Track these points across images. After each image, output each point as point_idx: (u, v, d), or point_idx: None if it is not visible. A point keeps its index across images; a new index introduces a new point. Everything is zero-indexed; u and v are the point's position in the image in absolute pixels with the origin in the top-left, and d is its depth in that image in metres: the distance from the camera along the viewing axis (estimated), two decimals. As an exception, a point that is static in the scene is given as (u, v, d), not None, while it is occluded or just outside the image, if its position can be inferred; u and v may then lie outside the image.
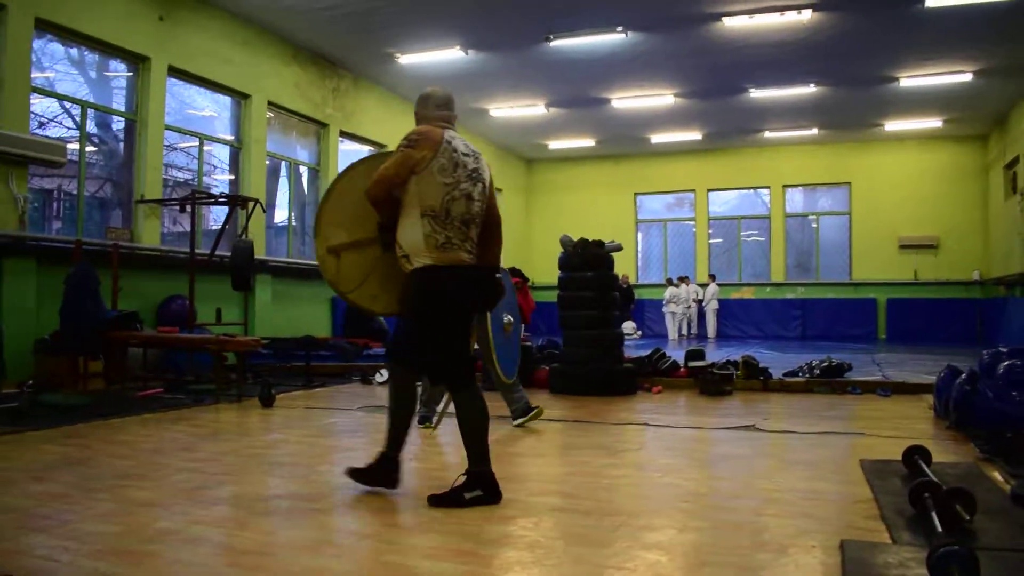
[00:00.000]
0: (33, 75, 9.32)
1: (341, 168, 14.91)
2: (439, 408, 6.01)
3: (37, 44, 9.45)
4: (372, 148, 16.33)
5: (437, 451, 5.41)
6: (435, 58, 14.14)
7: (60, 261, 8.77)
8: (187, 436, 5.74)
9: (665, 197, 23.30)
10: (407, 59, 14.20)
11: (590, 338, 8.43)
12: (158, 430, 6.02)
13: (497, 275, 4.04)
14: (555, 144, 21.59)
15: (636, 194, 23.23)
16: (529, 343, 9.65)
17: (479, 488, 3.66)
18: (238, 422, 6.54)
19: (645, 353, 9.55)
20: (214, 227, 12.29)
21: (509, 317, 6.20)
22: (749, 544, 3.07)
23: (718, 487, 4.16)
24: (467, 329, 3.98)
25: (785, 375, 8.92)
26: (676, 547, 3.07)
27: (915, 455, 4.17)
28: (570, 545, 3.06)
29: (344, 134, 15.20)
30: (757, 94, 16.43)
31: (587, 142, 21.34)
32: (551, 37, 13.11)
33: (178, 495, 3.86)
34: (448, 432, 5.91)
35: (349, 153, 15.56)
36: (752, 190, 22.45)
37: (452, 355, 3.83)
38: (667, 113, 18.01)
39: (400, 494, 3.94)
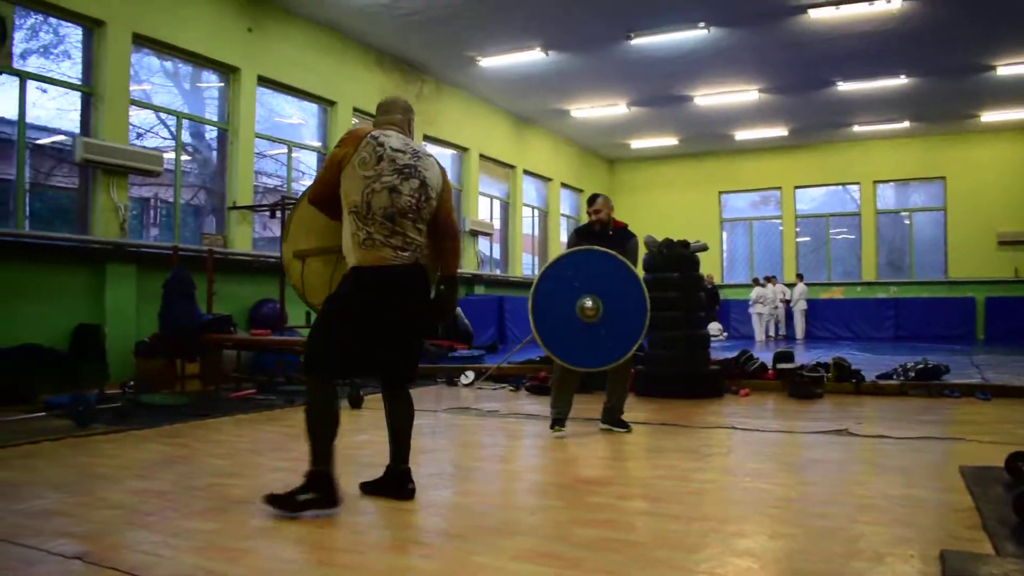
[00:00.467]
0: (131, 88, 9.72)
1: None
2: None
3: (135, 58, 9.84)
4: (455, 151, 16.51)
5: (562, 453, 5.43)
6: (516, 60, 14.20)
7: (158, 266, 9.13)
8: (279, 436, 5.90)
9: (750, 195, 22.88)
10: (488, 62, 14.30)
11: (675, 340, 8.33)
12: (252, 430, 6.20)
13: (445, 285, 3.87)
14: (637, 143, 21.43)
15: (720, 192, 22.87)
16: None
17: (315, 491, 3.50)
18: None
19: (732, 355, 9.39)
20: (302, 232, 12.57)
21: (590, 301, 5.52)
22: (843, 551, 2.99)
23: (809, 493, 4.07)
24: (392, 331, 3.71)
25: (878, 377, 8.65)
26: (767, 553, 3.02)
27: (1019, 461, 3.99)
28: (659, 550, 3.04)
29: (427, 138, 15.38)
30: (845, 87, 15.99)
31: (670, 141, 21.11)
32: (632, 36, 13.02)
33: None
34: (576, 435, 5.94)
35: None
36: (841, 186, 21.85)
37: (353, 357, 3.69)
38: (751, 109, 17.69)
39: (488, 495, 3.97)
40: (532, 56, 13.98)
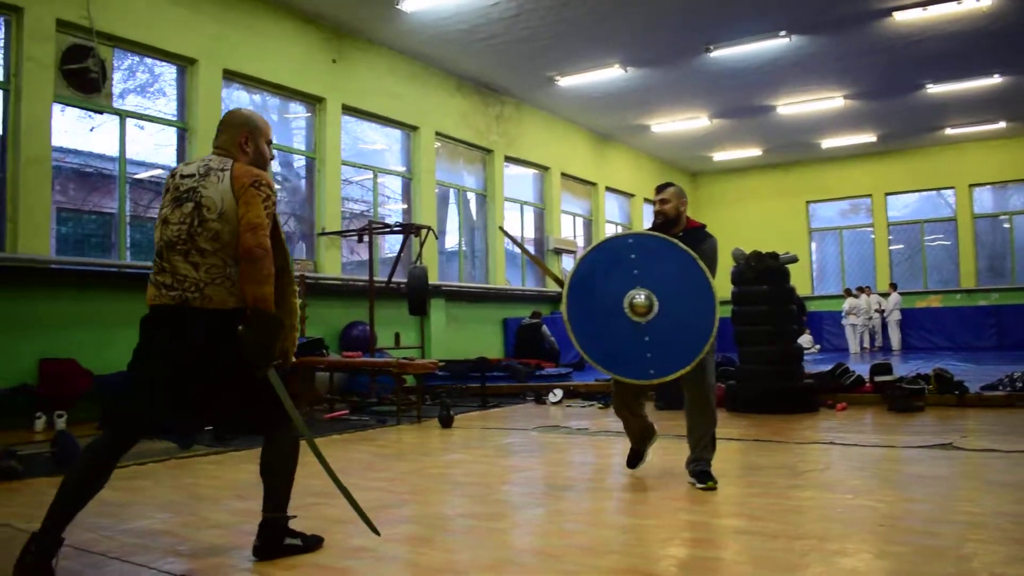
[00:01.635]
0: (224, 121, 10.07)
1: (508, 193, 15.27)
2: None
3: (225, 93, 10.23)
4: (536, 171, 16.58)
5: (653, 470, 5.38)
6: (595, 78, 14.22)
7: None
8: (373, 456, 5.99)
9: (839, 204, 22.30)
10: (567, 81, 14.35)
11: (767, 354, 8.15)
12: (346, 450, 6.31)
13: (245, 322, 3.07)
14: (720, 156, 21.17)
15: (808, 202, 22.37)
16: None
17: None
18: (419, 442, 6.76)
19: (826, 368, 9.15)
20: (389, 255, 12.82)
21: (641, 296, 4.39)
22: (955, 572, 2.87)
23: (915, 510, 3.92)
24: (180, 378, 3.15)
25: (983, 389, 8.30)
26: (874, 573, 2.91)
27: None
28: (758, 569, 2.96)
29: (508, 159, 15.50)
30: (935, 89, 15.50)
31: (754, 151, 20.79)
32: (711, 48, 12.91)
33: (367, 513, 4.03)
34: (667, 451, 5.89)
35: (514, 177, 15.86)
36: (935, 191, 21.12)
37: (148, 407, 3.18)
38: (837, 116, 17.29)
39: (579, 514, 3.95)
40: (611, 73, 13.98)
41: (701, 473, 4.54)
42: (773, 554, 3.15)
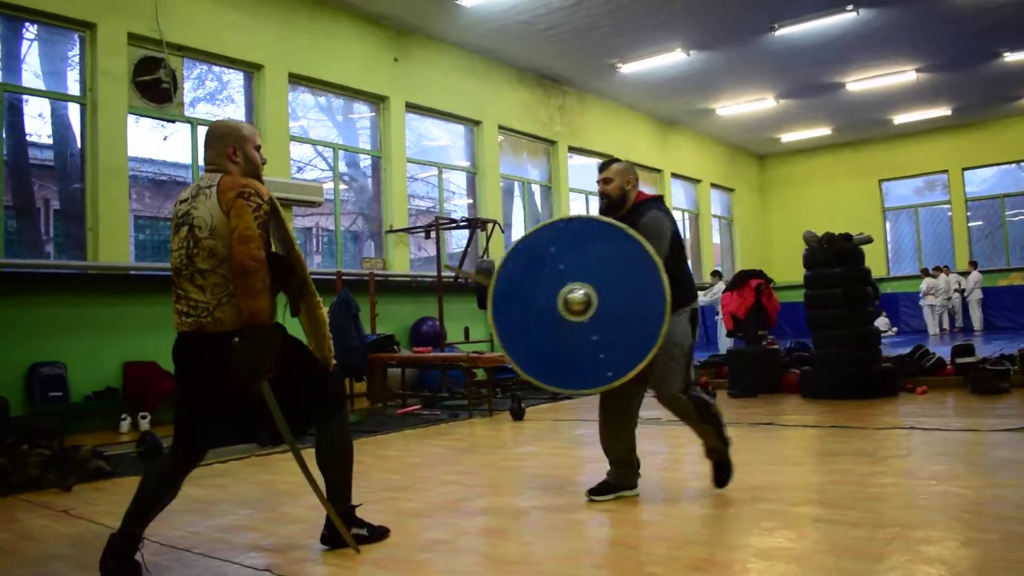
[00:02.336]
0: (290, 125, 10.29)
1: (572, 184, 15.22)
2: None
3: (291, 96, 10.42)
4: (600, 159, 16.48)
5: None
6: (657, 63, 14.07)
7: (323, 291, 9.54)
8: (446, 450, 6.05)
9: (914, 181, 21.63)
10: (629, 68, 14.23)
11: (843, 337, 7.97)
12: (420, 445, 6.39)
13: (239, 338, 3.06)
14: (788, 136, 20.74)
15: (881, 181, 21.75)
16: (776, 346, 9.32)
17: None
18: (491, 435, 6.80)
19: (905, 351, 8.91)
20: (456, 250, 12.91)
21: (576, 292, 3.77)
22: (1048, 558, 2.78)
23: (1004, 495, 3.79)
24: (215, 398, 3.18)
25: (1073, 367, 7.99)
26: (961, 561, 2.84)
27: None
28: (840, 559, 2.90)
29: (572, 149, 15.45)
30: (1012, 57, 14.89)
31: (822, 131, 20.30)
32: (776, 26, 12.64)
33: (443, 507, 4.08)
34: (742, 440, 5.83)
35: (578, 168, 15.80)
36: (1015, 164, 20.32)
37: (200, 427, 3.25)
38: (909, 90, 16.76)
39: (655, 504, 3.93)
40: (673, 57, 13.81)
41: (717, 465, 4.11)
42: (855, 543, 3.08)
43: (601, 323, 3.74)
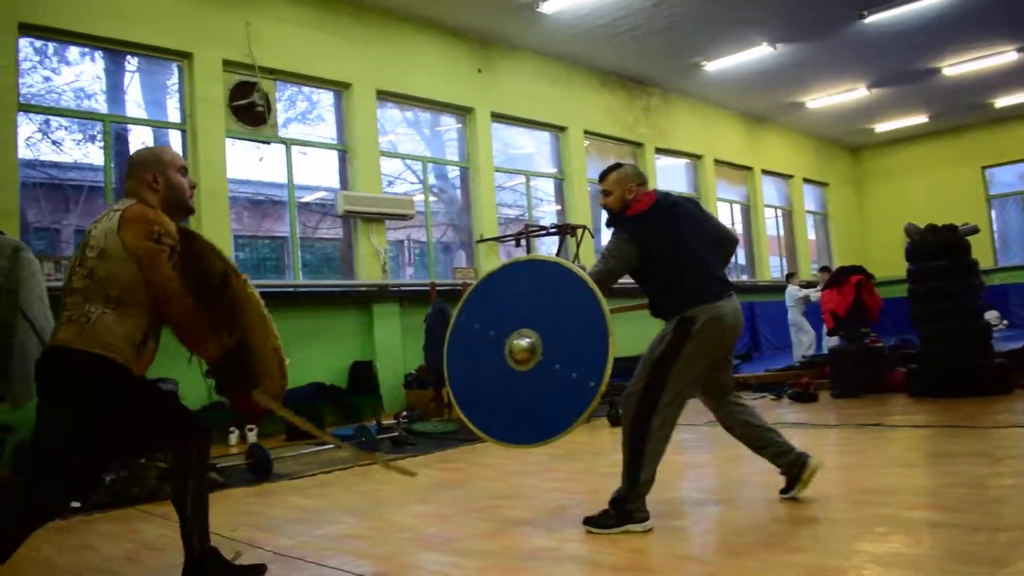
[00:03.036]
0: (379, 140, 10.50)
1: (660, 186, 15.05)
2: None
3: (379, 112, 10.62)
4: (688, 160, 16.29)
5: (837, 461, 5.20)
6: (742, 59, 13.80)
7: (417, 303, 9.75)
8: (546, 457, 6.04)
9: (1019, 166, 20.59)
10: (713, 65, 14.01)
11: (951, 333, 7.65)
12: (519, 453, 6.38)
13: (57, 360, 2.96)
14: (882, 127, 20.04)
15: (984, 167, 20.78)
16: (881, 344, 9.03)
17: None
18: (589, 442, 6.76)
19: (1018, 345, 8.50)
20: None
21: (523, 340, 3.63)
22: None
23: None
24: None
25: None
26: (1094, 563, 2.69)
27: None
28: (959, 564, 2.78)
29: (659, 150, 15.30)
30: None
31: (919, 119, 19.55)
32: (865, 13, 12.22)
33: (546, 514, 4.08)
34: (850, 441, 5.69)
35: (666, 169, 15.65)
36: None
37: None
38: (1011, 71, 15.97)
39: (762, 510, 3.85)
40: (759, 52, 13.53)
41: (602, 516, 3.65)
42: (975, 548, 2.95)
43: (555, 352, 3.56)
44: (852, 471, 4.70)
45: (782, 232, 19.31)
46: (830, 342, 10.42)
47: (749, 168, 17.94)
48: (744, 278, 17.45)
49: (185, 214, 3.25)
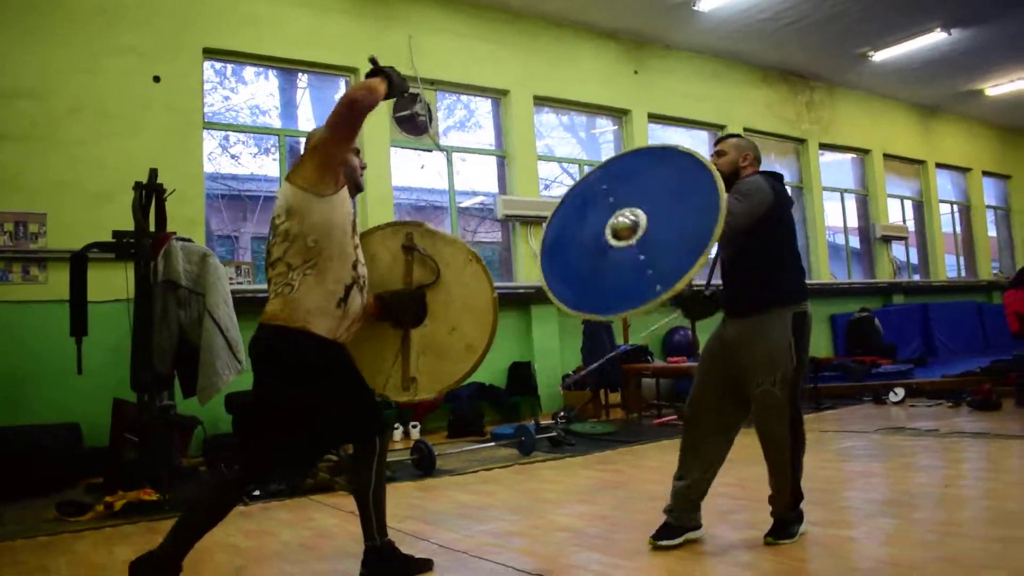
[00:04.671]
0: (536, 144, 10.64)
1: (825, 182, 14.51)
2: None
3: (536, 118, 10.76)
4: (855, 156, 15.61)
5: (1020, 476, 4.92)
6: (913, 46, 13.08)
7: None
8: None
9: None
10: (882, 55, 13.36)
11: None
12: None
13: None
14: (1073, 112, 18.50)
15: None
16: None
17: None
18: (753, 446, 6.59)
19: None
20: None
21: (621, 217, 3.45)
22: None
23: None
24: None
25: None
26: None
27: None
28: None
29: (824, 146, 14.73)
30: None
31: (1120, 102, 17.93)
32: (1054, -10, 11.35)
33: (710, 518, 4.02)
34: None
35: (831, 164, 15.05)
36: None
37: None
38: None
39: (937, 523, 3.67)
40: (932, 38, 12.77)
41: (782, 528, 3.56)
42: None
43: (648, 243, 3.36)
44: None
45: (959, 229, 18.15)
46: None
47: (922, 162, 16.98)
48: (917, 277, 16.53)
49: (357, 191, 3.40)
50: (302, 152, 3.22)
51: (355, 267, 3.17)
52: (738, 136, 3.89)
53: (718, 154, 3.77)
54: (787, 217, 3.63)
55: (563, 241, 3.69)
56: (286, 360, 3.03)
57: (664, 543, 3.50)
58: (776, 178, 3.67)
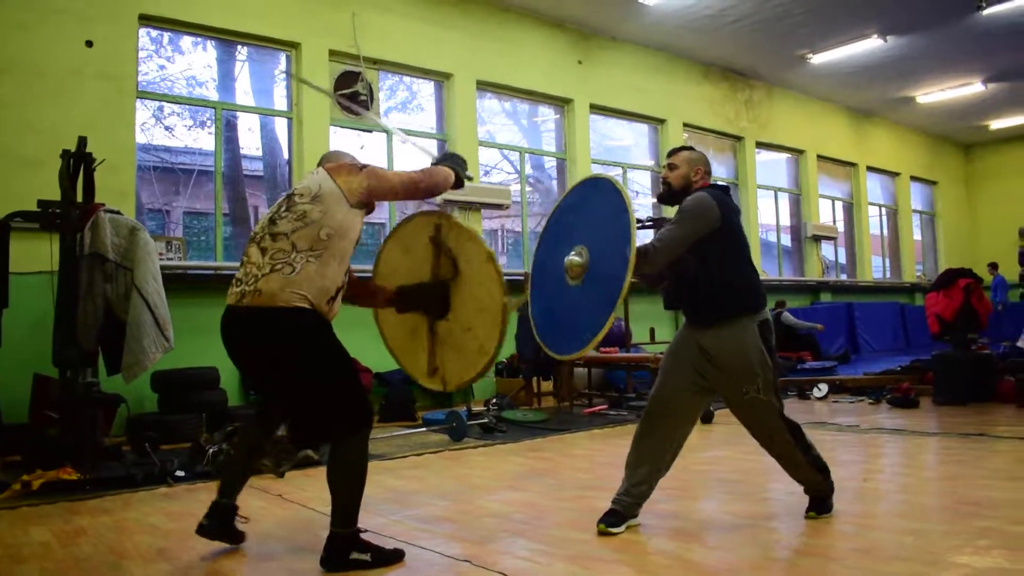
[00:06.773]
0: (478, 130, 10.60)
1: (760, 180, 14.76)
2: None
3: (478, 103, 10.72)
4: (790, 155, 15.93)
5: (937, 472, 5.07)
6: (851, 51, 13.41)
7: (513, 291, 9.78)
8: (634, 451, 6.04)
9: None
10: (820, 57, 13.66)
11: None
12: (607, 444, 6.42)
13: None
14: (998, 123, 19.14)
15: (1107, 170, 19.69)
16: (988, 351, 8.68)
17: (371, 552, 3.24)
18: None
19: None
20: (640, 250, 12.84)
21: (574, 256, 3.53)
22: None
23: None
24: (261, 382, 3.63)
25: None
26: None
27: None
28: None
29: (760, 144, 15.00)
30: None
31: (1038, 116, 18.63)
32: (983, 4, 11.70)
33: (644, 509, 4.07)
34: (952, 450, 5.53)
35: (767, 163, 15.34)
36: None
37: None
38: None
39: (853, 516, 3.78)
40: (868, 44, 13.11)
41: (820, 501, 3.77)
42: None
43: (587, 284, 3.47)
44: (954, 481, 4.56)
45: (886, 231, 18.70)
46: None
47: (853, 164, 17.43)
48: (844, 277, 16.97)
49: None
50: (352, 163, 3.40)
51: (347, 274, 3.30)
52: (690, 149, 3.87)
53: (670, 167, 3.78)
54: (737, 228, 3.65)
55: (547, 268, 3.77)
56: (303, 335, 3.08)
57: (614, 530, 3.55)
58: (724, 191, 3.70)
